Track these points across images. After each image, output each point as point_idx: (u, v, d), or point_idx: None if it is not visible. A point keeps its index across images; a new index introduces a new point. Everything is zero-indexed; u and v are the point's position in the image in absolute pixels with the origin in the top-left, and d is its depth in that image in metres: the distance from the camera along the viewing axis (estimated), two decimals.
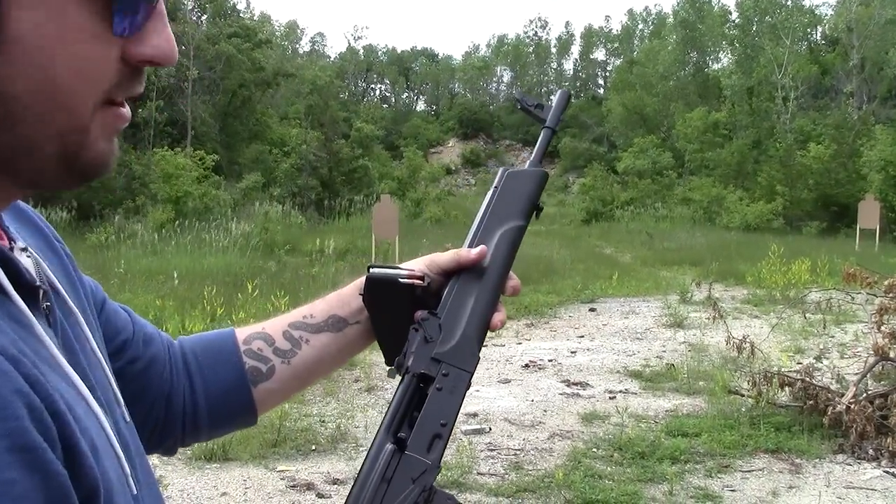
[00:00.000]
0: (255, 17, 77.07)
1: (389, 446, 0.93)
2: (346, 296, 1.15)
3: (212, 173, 26.58)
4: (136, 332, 1.03)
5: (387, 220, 16.23)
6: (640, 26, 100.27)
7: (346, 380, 8.23)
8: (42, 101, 0.63)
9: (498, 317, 1.07)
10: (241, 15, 51.25)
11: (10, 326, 0.60)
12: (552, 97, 1.27)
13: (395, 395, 0.99)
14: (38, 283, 0.69)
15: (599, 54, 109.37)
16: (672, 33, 62.66)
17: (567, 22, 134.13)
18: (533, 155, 1.22)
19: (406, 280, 1.08)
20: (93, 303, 0.91)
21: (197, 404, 1.08)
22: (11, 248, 0.71)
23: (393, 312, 1.08)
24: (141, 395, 0.93)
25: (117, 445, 0.70)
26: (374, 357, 9.19)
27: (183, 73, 32.49)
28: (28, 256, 0.73)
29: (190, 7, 38.19)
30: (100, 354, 0.79)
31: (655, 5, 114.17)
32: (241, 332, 1.13)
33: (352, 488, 0.93)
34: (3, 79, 0.61)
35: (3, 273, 0.63)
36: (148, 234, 20.10)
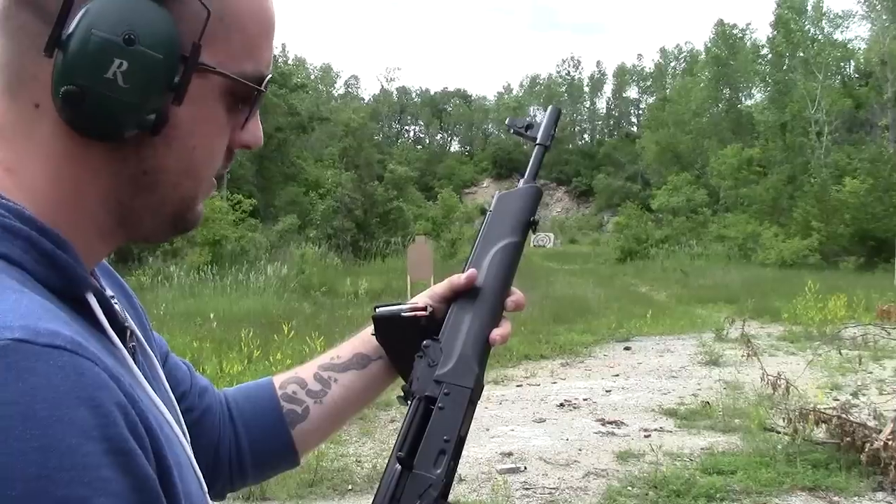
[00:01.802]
0: (290, 61, 78.22)
1: (397, 467, 1.00)
2: (367, 334, 1.23)
3: (248, 216, 26.86)
4: (193, 384, 1.13)
5: (421, 261, 16.24)
6: (673, 64, 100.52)
7: (381, 420, 8.28)
8: (181, 173, 0.78)
9: (497, 332, 1.10)
10: (277, 59, 52.01)
11: (109, 356, 0.70)
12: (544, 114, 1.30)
13: (403, 420, 1.05)
14: (126, 324, 0.81)
15: (632, 92, 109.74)
16: (704, 70, 62.75)
17: (599, 61, 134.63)
18: (526, 173, 1.24)
19: (408, 314, 1.16)
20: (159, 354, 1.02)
21: (241, 449, 1.16)
22: None
23: (405, 345, 1.13)
24: (194, 443, 0.98)
25: (196, 465, 0.80)
26: None
27: None
28: (116, 303, 0.84)
29: None
30: (171, 395, 0.91)
31: (687, 43, 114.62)
32: (278, 379, 1.22)
33: None
34: (162, 154, 0.76)
35: (102, 313, 0.74)
36: (185, 276, 20.34)
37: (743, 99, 61.16)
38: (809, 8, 48.97)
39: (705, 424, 8.13)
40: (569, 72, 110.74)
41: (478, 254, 1.15)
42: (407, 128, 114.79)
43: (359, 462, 6.92)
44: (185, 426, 0.89)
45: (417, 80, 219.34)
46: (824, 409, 7.09)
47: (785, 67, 46.58)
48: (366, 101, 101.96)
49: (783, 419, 7.18)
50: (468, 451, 7.30)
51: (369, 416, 8.27)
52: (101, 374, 0.61)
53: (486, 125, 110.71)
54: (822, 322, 13.92)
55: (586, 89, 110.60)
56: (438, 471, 0.99)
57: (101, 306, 0.73)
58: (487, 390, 9.99)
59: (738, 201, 41.67)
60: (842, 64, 51.82)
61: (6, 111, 0.73)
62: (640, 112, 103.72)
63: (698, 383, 10.13)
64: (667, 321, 15.81)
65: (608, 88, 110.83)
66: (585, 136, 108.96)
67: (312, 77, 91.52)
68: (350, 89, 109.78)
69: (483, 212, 1.23)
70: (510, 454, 7.14)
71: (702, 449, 7.28)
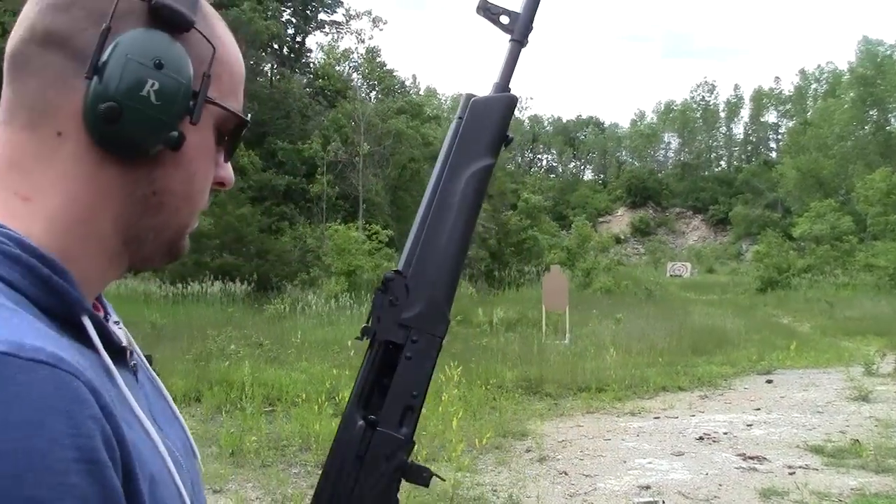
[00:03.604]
0: (420, 92, 79.48)
1: (361, 423, 0.92)
2: None
3: (384, 246, 27.31)
4: None
5: (557, 291, 16.18)
6: (814, 86, 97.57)
7: (517, 450, 8.25)
8: (183, 198, 0.86)
9: None
10: (408, 89, 52.91)
11: (97, 374, 0.74)
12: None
13: (363, 363, 0.96)
14: (125, 345, 0.86)
15: (771, 117, 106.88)
16: (848, 91, 60.60)
17: (736, 85, 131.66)
18: (499, 76, 1.07)
19: None
20: None
21: None
22: (106, 319, 0.90)
23: None
24: None
25: (179, 481, 0.82)
26: (546, 427, 9.19)
27: (354, 148, 33.73)
28: (120, 328, 0.92)
29: (360, 85, 39.77)
30: (178, 414, 0.96)
31: (828, 63, 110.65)
32: None
33: (327, 459, 0.93)
34: (170, 176, 0.84)
35: (96, 334, 0.78)
36: (322, 304, 20.81)
37: (892, 120, 58.79)
38: None
39: (855, 463, 7.79)
40: (703, 97, 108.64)
41: (450, 171, 1.04)
42: (539, 156, 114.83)
43: (494, 491, 6.91)
44: (192, 443, 0.94)
45: (549, 109, 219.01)
46: None
47: None
48: None
49: None
50: (605, 483, 7.21)
51: (505, 445, 8.26)
52: (79, 387, 0.65)
53: (620, 153, 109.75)
54: None
55: (722, 114, 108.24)
56: (406, 430, 0.93)
57: (97, 329, 0.78)
58: (624, 422, 9.88)
59: (887, 228, 39.91)
60: None
61: (26, 143, 0.80)
62: (780, 137, 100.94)
63: (846, 419, 9.73)
64: (811, 354, 15.29)
65: (745, 113, 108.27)
66: (722, 162, 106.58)
67: (445, 107, 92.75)
68: None
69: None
70: (648, 487, 7.01)
71: (852, 489, 6.98)
